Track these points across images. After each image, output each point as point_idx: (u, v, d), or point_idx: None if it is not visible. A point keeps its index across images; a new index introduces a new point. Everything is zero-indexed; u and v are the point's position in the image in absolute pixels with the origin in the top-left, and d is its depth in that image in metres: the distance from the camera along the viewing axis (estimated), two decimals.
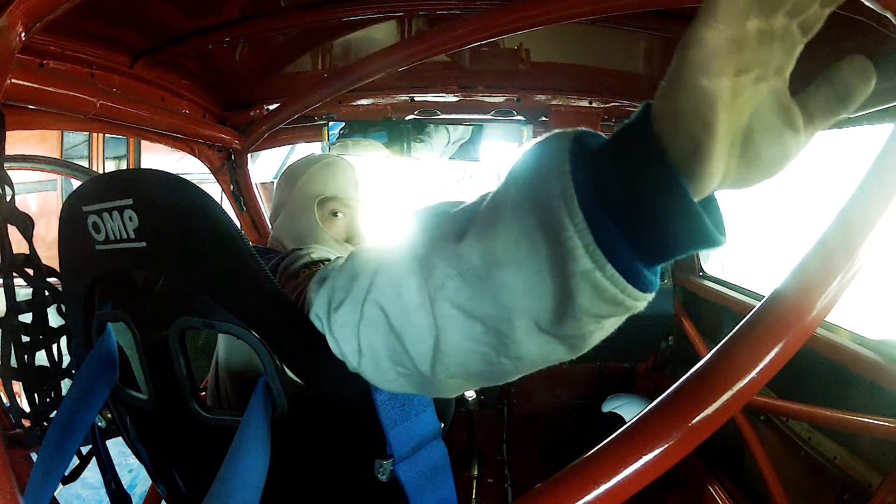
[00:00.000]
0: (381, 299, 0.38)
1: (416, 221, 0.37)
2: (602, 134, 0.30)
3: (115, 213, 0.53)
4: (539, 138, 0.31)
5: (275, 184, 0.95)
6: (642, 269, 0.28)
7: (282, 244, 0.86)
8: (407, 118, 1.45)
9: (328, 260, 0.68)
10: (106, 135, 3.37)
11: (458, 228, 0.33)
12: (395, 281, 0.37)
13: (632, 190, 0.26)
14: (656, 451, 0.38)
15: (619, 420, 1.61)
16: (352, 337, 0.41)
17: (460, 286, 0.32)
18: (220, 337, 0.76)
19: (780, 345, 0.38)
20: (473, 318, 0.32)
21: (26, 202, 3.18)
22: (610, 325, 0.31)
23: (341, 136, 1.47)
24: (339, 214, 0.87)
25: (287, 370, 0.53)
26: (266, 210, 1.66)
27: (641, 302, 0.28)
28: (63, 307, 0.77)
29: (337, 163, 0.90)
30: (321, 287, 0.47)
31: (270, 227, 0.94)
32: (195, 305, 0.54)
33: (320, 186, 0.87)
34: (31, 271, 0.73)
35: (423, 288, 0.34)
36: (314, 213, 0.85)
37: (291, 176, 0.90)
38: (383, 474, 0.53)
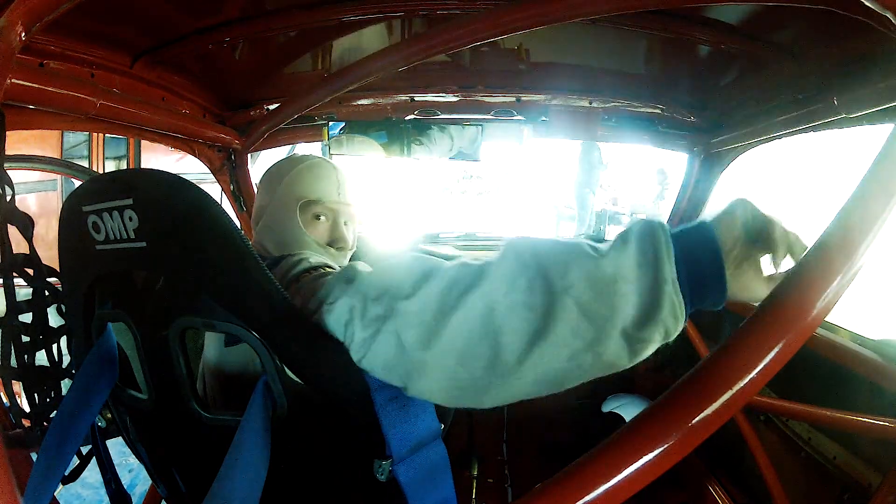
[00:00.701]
0: (491, 293, 0.45)
1: (517, 243, 0.47)
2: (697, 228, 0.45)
3: (115, 213, 0.53)
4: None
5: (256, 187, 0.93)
6: (688, 309, 0.44)
7: (265, 249, 0.84)
8: (407, 118, 1.45)
9: (327, 266, 0.68)
10: (106, 135, 3.37)
11: (595, 251, 0.45)
12: (505, 280, 0.45)
13: (701, 270, 0.43)
14: (656, 451, 0.38)
15: (619, 420, 1.61)
16: (426, 323, 0.46)
17: (586, 289, 0.43)
18: (209, 337, 0.75)
19: (780, 345, 0.38)
20: (586, 315, 0.43)
21: (26, 202, 3.18)
22: (654, 347, 0.44)
23: (341, 135, 1.48)
24: (322, 218, 0.85)
25: (287, 370, 0.53)
26: None
27: (680, 327, 0.44)
28: (63, 307, 0.77)
29: (319, 164, 0.87)
30: (360, 283, 0.52)
31: (252, 230, 0.90)
32: (195, 305, 0.54)
33: (303, 189, 0.84)
34: (31, 271, 0.73)
35: (538, 288, 0.43)
36: (297, 216, 0.82)
37: (273, 179, 0.87)
38: (382, 474, 0.53)
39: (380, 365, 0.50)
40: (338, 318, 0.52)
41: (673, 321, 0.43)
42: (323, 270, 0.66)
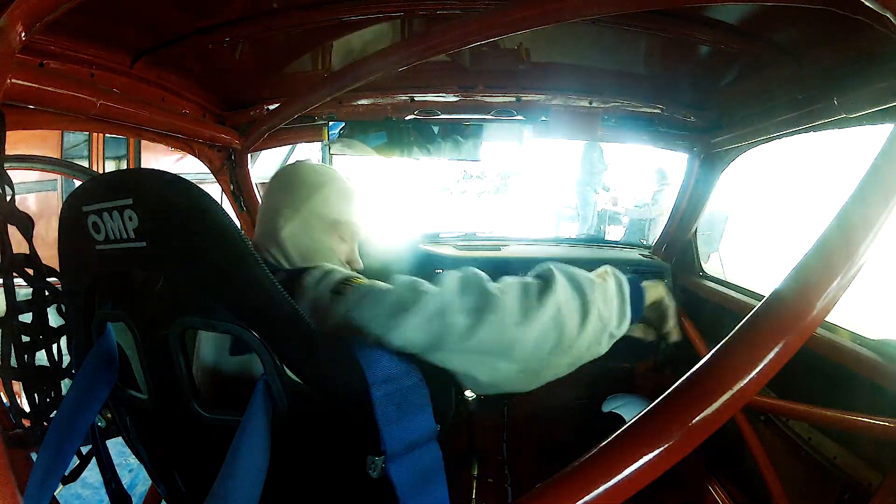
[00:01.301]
0: (558, 297, 0.63)
1: (559, 267, 0.68)
2: (640, 279, 0.76)
3: (115, 213, 0.53)
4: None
5: (271, 183, 0.91)
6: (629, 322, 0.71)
7: (283, 252, 0.83)
8: (407, 118, 1.45)
9: (357, 278, 0.69)
10: (106, 135, 3.38)
11: (598, 279, 0.69)
12: (564, 290, 0.64)
13: (635, 303, 0.71)
14: (656, 451, 0.38)
15: (619, 420, 1.61)
16: (518, 314, 0.61)
17: (601, 301, 0.66)
18: (206, 338, 0.75)
19: (780, 345, 0.38)
20: (600, 318, 0.65)
21: (26, 202, 3.18)
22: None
23: (341, 135, 1.48)
24: (345, 238, 0.87)
25: (287, 370, 0.53)
26: None
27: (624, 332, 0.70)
28: (63, 307, 0.77)
29: (349, 186, 0.89)
30: (441, 285, 0.62)
31: (256, 229, 0.89)
32: (195, 305, 0.54)
33: (337, 210, 0.85)
34: (31, 271, 0.73)
35: (577, 298, 0.65)
36: (331, 235, 0.84)
37: (298, 188, 0.86)
38: (374, 470, 0.53)
39: (481, 348, 0.60)
40: (433, 311, 0.59)
41: (625, 327, 0.69)
42: (364, 281, 0.68)
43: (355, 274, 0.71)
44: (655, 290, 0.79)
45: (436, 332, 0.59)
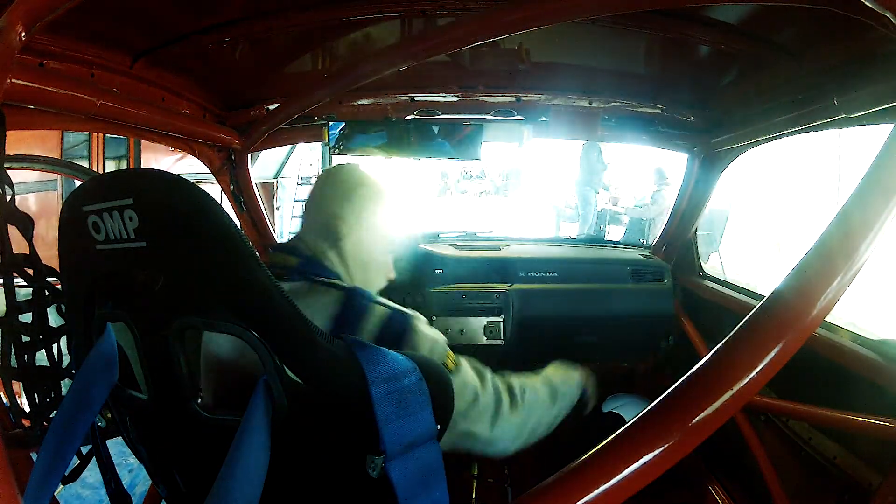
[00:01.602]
0: (550, 408, 0.93)
1: (560, 386, 0.96)
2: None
3: (115, 213, 0.53)
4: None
5: (325, 182, 0.89)
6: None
7: (343, 261, 0.83)
8: (407, 118, 1.45)
9: (451, 353, 0.77)
10: (106, 135, 3.38)
11: (571, 380, 1.01)
12: (561, 399, 0.96)
13: (581, 398, 1.04)
14: (656, 451, 0.38)
15: (619, 420, 1.61)
16: (541, 408, 0.91)
17: (568, 398, 0.97)
18: (218, 335, 0.75)
19: (780, 345, 0.38)
20: (566, 410, 0.96)
21: (26, 202, 3.18)
22: None
23: (341, 135, 1.48)
24: (391, 251, 0.89)
25: (287, 369, 0.53)
26: (266, 210, 1.66)
27: None
28: (63, 307, 0.76)
29: (399, 202, 0.91)
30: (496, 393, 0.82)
31: (304, 215, 0.89)
32: (195, 305, 0.54)
33: (392, 224, 0.87)
34: (31, 271, 0.73)
35: (560, 400, 0.95)
36: (383, 248, 0.87)
37: (365, 197, 0.85)
38: (374, 470, 0.53)
39: (523, 441, 0.86)
40: (504, 426, 0.81)
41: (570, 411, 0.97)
42: (456, 361, 0.77)
43: (446, 342, 0.77)
44: (590, 384, 1.06)
45: (500, 437, 0.82)
